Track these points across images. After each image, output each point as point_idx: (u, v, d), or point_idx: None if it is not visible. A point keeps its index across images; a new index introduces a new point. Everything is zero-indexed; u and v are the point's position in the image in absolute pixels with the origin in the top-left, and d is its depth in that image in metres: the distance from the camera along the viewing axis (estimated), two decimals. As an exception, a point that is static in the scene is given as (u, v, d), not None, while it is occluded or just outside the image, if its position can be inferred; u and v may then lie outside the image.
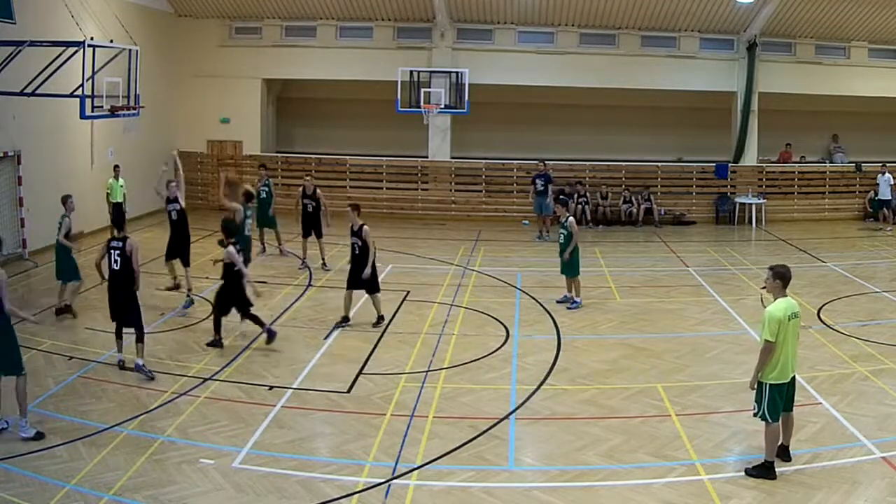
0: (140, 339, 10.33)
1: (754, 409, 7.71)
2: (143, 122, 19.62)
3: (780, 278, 7.66)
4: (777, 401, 7.56)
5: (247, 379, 10.15)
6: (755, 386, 7.69)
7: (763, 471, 7.56)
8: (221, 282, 11.47)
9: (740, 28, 22.88)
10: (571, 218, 13.85)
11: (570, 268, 13.74)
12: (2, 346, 8.33)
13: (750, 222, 22.85)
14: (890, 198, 22.57)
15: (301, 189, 16.82)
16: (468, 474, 7.73)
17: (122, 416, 8.80)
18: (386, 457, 8.07)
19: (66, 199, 12.88)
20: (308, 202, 16.55)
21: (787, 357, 7.55)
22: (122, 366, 10.46)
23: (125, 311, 10.45)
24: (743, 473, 7.62)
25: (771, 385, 7.55)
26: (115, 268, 10.48)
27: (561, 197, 15.72)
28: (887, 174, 22.60)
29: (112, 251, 10.51)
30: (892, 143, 24.58)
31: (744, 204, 23.05)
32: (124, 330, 10.58)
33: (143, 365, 10.19)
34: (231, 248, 11.30)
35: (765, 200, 23.08)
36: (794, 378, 7.75)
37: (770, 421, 7.58)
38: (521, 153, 24.00)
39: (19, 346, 8.57)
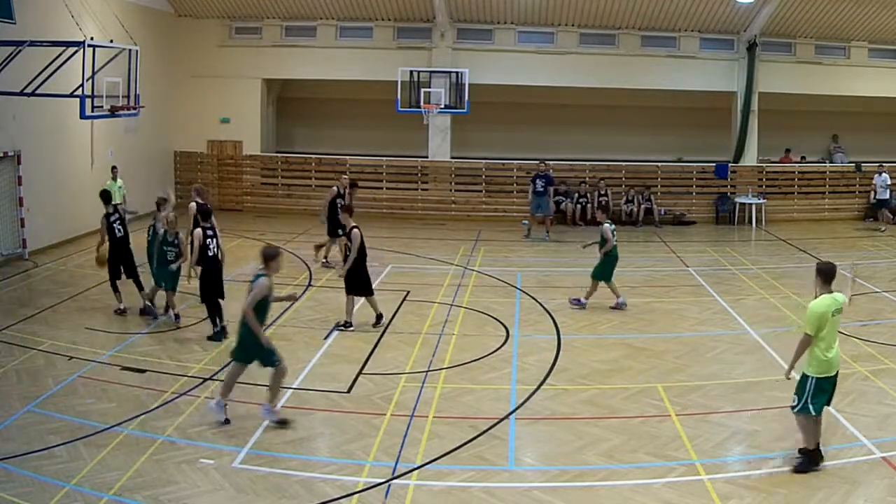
0: (141, 287, 12.71)
1: (794, 401, 7.71)
2: (143, 123, 19.63)
3: (821, 274, 7.74)
4: (824, 393, 7.59)
5: (247, 379, 10.11)
6: (790, 376, 7.77)
7: (808, 462, 7.61)
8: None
9: (740, 28, 22.88)
10: (605, 225, 13.73)
11: (600, 271, 13.59)
12: (250, 339, 8.68)
13: (750, 222, 22.84)
14: (888, 198, 22.54)
15: (335, 189, 16.45)
16: (468, 474, 7.72)
17: (122, 416, 8.78)
18: (386, 457, 8.06)
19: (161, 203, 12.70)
20: (340, 202, 16.11)
21: (832, 351, 7.59)
22: (120, 312, 12.54)
23: (130, 269, 12.66)
24: (743, 473, 7.62)
25: (818, 378, 7.58)
26: (120, 235, 12.49)
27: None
28: (884, 174, 22.57)
29: (114, 224, 12.44)
30: (892, 143, 24.60)
31: (744, 204, 23.05)
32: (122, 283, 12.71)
33: (148, 305, 12.59)
34: (198, 231, 11.81)
35: (765, 200, 23.07)
36: (837, 373, 7.76)
37: (814, 413, 7.60)
38: (521, 153, 24.00)
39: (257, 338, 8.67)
